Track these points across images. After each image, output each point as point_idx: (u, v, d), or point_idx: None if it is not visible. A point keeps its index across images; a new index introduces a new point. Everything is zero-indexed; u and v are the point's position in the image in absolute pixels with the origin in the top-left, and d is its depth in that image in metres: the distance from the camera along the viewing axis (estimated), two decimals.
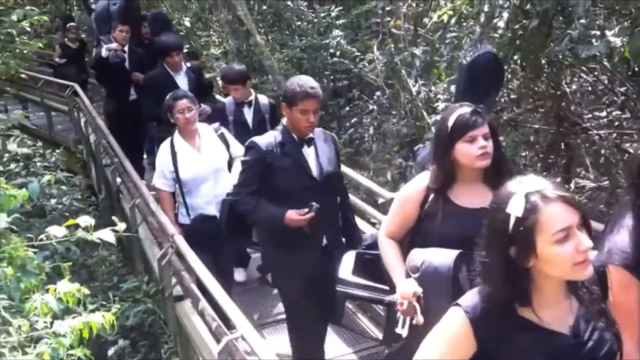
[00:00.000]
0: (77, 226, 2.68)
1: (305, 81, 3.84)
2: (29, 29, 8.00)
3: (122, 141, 7.50)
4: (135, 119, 7.57)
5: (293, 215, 3.81)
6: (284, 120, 3.94)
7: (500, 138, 7.69)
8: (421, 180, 3.01)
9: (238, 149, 5.06)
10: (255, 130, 5.77)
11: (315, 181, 3.92)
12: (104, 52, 7.81)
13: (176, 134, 5.04)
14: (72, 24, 13.00)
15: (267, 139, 3.92)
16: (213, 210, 4.89)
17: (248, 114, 6.03)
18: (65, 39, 12.46)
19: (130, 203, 6.41)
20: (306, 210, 3.80)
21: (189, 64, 7.13)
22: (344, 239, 4.14)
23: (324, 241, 4.03)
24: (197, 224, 4.98)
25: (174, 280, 5.01)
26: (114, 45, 7.86)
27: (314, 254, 3.99)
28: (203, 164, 4.97)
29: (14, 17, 6.86)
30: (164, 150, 5.01)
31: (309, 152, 3.94)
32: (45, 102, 12.20)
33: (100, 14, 9.05)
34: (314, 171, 3.92)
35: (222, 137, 5.19)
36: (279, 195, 3.88)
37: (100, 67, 8.01)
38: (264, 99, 6.22)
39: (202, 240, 4.79)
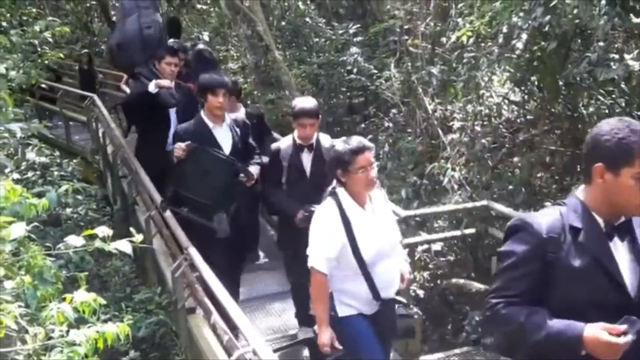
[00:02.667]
0: (93, 236, 2.70)
1: (626, 124, 2.24)
2: (50, 40, 8.09)
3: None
4: None
5: (601, 334, 2.13)
6: (579, 192, 2.37)
7: (516, 159, 7.74)
8: None
9: None
10: (312, 179, 4.84)
11: (627, 298, 2.25)
12: (151, 87, 6.16)
13: (344, 196, 3.67)
14: None
15: (550, 217, 2.32)
16: (391, 292, 3.78)
17: (306, 159, 4.91)
18: None
19: (145, 214, 6.45)
20: (621, 328, 2.14)
21: (233, 116, 5.41)
22: None
23: None
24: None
25: (186, 292, 5.03)
26: (165, 82, 6.26)
27: None
28: (383, 236, 3.72)
29: (37, 28, 6.96)
30: (331, 218, 3.62)
31: (619, 249, 2.31)
32: (64, 112, 12.34)
33: (130, 37, 6.90)
34: (628, 282, 2.27)
35: None
36: (556, 316, 2.24)
37: (144, 104, 6.28)
38: (326, 141, 4.98)
39: (382, 329, 3.77)
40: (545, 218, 2.31)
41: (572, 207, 2.33)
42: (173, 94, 6.25)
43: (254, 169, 5.21)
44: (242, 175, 5.11)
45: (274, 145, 5.03)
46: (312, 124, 4.77)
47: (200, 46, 6.43)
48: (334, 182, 3.71)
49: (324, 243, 3.61)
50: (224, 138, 5.11)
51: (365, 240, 3.61)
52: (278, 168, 4.92)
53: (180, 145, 4.92)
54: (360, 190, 3.65)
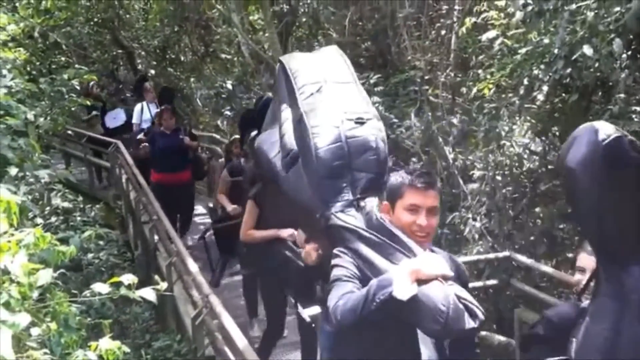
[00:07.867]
0: (118, 283, 2.72)
1: None
2: (78, 87, 8.25)
3: None
4: None
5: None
6: None
7: (537, 209, 7.68)
8: None
9: None
10: None
11: None
12: (403, 293, 2.35)
13: None
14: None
15: None
16: None
17: None
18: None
19: (166, 261, 6.47)
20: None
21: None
22: None
23: None
24: None
25: (206, 340, 5.01)
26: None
27: None
28: None
29: (65, 76, 7.13)
30: None
31: None
32: (88, 158, 12.50)
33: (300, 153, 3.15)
34: None
35: None
36: None
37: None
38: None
39: None
40: None
41: None
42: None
43: None
44: None
45: None
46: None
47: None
48: None
49: None
50: None
51: None
52: None
53: None
54: None
